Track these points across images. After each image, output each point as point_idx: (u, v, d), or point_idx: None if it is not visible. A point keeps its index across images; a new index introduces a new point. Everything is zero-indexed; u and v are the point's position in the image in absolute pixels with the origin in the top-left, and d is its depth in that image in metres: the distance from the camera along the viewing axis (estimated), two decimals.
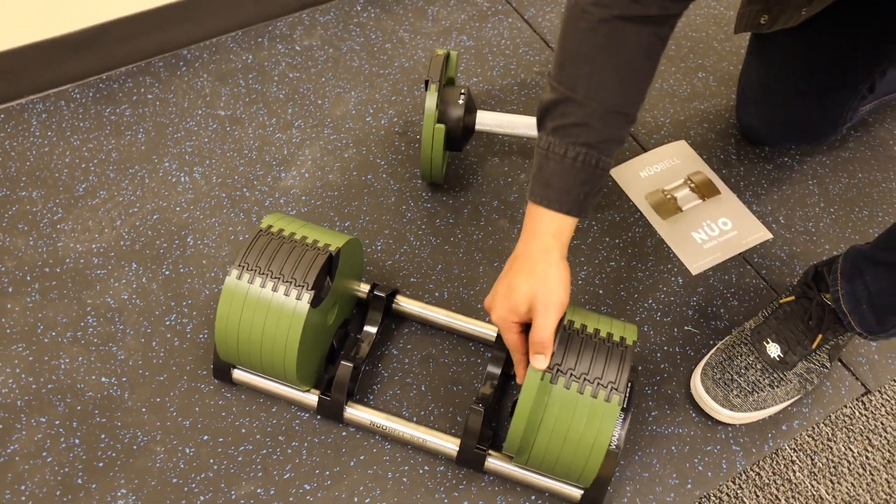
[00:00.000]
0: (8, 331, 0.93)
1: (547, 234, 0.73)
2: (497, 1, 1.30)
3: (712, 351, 0.92)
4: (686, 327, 0.97)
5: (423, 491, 0.84)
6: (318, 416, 0.88)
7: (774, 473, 0.88)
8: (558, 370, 0.73)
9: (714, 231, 1.04)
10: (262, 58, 1.20)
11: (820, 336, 0.87)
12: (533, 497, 0.84)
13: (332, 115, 1.14)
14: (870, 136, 1.15)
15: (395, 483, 0.84)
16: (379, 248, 1.02)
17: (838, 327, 0.87)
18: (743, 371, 0.88)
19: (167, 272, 0.99)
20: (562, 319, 0.75)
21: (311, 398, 0.86)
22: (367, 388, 0.91)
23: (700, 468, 0.87)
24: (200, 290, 0.97)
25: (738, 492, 0.86)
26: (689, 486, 0.86)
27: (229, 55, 1.20)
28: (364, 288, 0.93)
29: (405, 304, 0.94)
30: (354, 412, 0.86)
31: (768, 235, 1.04)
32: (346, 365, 0.83)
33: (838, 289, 0.84)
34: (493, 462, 0.83)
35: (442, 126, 0.96)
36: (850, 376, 0.94)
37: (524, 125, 1.03)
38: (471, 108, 1.02)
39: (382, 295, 0.91)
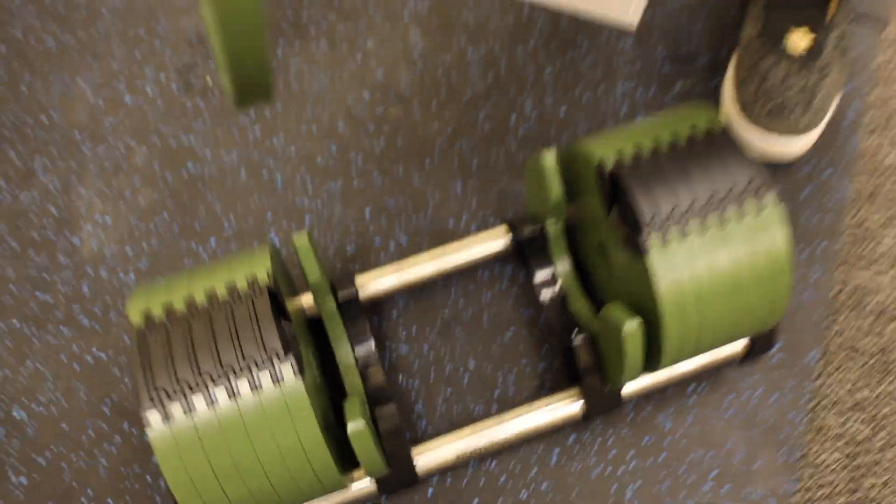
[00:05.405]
0: None
1: None
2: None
3: (728, 87, 0.70)
4: (677, 89, 0.74)
5: (574, 469, 0.58)
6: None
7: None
8: (671, 222, 0.48)
9: None
10: None
11: None
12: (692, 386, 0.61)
13: (74, 124, 0.75)
14: None
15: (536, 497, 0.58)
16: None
17: None
18: (786, 83, 0.67)
19: (23, 480, 0.61)
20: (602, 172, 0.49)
21: (363, 486, 0.56)
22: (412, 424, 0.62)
23: (812, 221, 0.67)
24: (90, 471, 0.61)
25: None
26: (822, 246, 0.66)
27: None
28: (308, 299, 0.61)
29: (428, 456, 0.57)
30: (427, 456, 0.57)
31: None
32: (390, 406, 0.53)
33: None
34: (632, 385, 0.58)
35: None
36: (862, 23, 0.77)
37: None
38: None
39: (352, 291, 0.60)
